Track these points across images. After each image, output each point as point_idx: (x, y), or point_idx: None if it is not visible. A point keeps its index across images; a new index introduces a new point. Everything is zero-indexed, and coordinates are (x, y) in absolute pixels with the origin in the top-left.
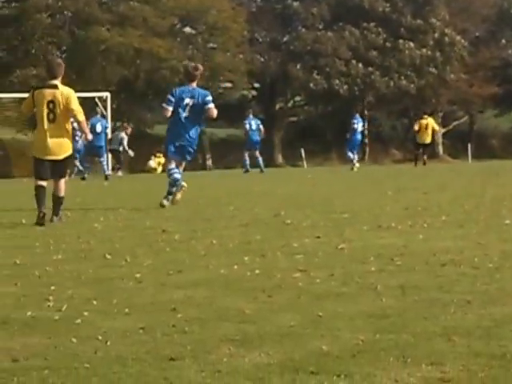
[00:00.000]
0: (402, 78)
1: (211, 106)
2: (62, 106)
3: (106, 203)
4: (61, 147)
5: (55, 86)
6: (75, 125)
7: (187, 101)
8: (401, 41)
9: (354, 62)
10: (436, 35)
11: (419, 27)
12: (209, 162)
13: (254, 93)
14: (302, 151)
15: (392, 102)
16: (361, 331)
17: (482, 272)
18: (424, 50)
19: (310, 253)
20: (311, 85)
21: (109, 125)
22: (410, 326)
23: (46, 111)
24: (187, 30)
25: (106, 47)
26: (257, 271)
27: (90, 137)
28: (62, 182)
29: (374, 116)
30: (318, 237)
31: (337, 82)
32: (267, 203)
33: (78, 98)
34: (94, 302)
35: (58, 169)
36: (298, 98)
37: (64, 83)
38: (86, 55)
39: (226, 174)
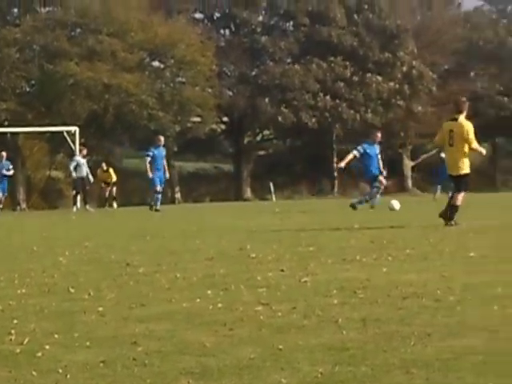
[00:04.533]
0: (369, 111)
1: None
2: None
3: (73, 237)
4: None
5: (456, 119)
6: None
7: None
8: (368, 74)
9: (321, 94)
10: (404, 68)
11: (387, 61)
12: (177, 196)
13: (222, 127)
14: (271, 185)
15: (360, 135)
16: (320, 364)
17: (443, 305)
18: (392, 84)
19: (273, 286)
20: (279, 118)
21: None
22: (370, 359)
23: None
24: (156, 64)
25: (75, 81)
26: (219, 305)
27: None
28: (461, 194)
29: (342, 149)
30: (282, 270)
31: (305, 115)
32: (233, 237)
33: (46, 132)
34: (56, 336)
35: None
36: (266, 132)
37: (33, 117)
38: (55, 89)
39: (194, 208)
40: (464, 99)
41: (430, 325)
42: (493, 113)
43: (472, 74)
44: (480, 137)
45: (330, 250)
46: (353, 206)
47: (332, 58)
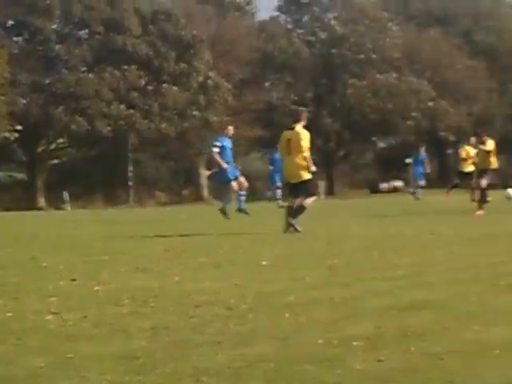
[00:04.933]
0: (163, 121)
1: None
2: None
3: None
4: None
5: (293, 128)
6: None
7: None
8: (164, 85)
9: (115, 103)
10: (200, 78)
11: (183, 71)
12: None
13: (16, 135)
14: (65, 194)
15: (155, 145)
16: (109, 373)
17: (235, 313)
18: (187, 94)
19: (64, 295)
20: (73, 127)
21: None
22: (160, 367)
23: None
24: None
25: None
26: (8, 314)
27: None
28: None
29: (138, 158)
30: (74, 279)
31: (99, 123)
32: (25, 246)
33: None
34: None
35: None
36: (61, 140)
37: None
38: None
39: None
40: (302, 108)
41: (221, 333)
42: (288, 123)
43: (267, 83)
44: (275, 146)
45: (123, 259)
46: (222, 212)
47: (126, 67)
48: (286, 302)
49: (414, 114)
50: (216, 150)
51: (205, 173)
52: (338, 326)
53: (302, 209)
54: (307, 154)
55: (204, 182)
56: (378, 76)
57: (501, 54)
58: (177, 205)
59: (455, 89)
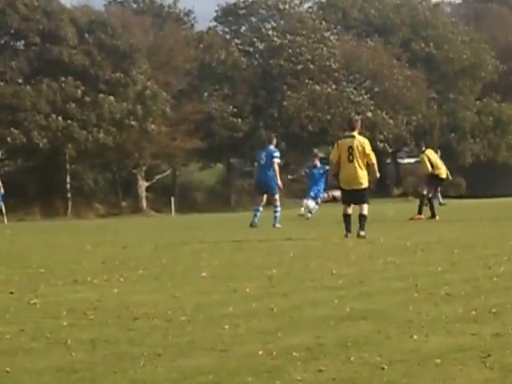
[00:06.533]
0: (101, 131)
1: None
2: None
3: None
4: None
5: (353, 136)
6: None
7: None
8: (101, 95)
9: (53, 115)
10: (137, 88)
11: (119, 80)
12: None
13: None
14: (3, 206)
15: (93, 156)
16: None
17: (174, 325)
18: (125, 104)
19: (1, 308)
20: (9, 139)
21: None
22: (99, 380)
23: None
24: None
25: None
26: None
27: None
28: (365, 205)
29: (75, 170)
30: (11, 292)
31: (36, 135)
32: None
33: None
34: None
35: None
36: None
37: None
38: None
39: None
40: (356, 117)
41: (160, 345)
42: (226, 134)
43: (205, 94)
44: (214, 157)
45: (61, 272)
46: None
47: (63, 78)
48: (225, 313)
49: None
50: (278, 160)
51: (144, 184)
52: (278, 337)
53: (364, 219)
54: (374, 160)
55: (143, 193)
56: (316, 87)
57: (439, 63)
58: (115, 216)
59: (394, 99)
